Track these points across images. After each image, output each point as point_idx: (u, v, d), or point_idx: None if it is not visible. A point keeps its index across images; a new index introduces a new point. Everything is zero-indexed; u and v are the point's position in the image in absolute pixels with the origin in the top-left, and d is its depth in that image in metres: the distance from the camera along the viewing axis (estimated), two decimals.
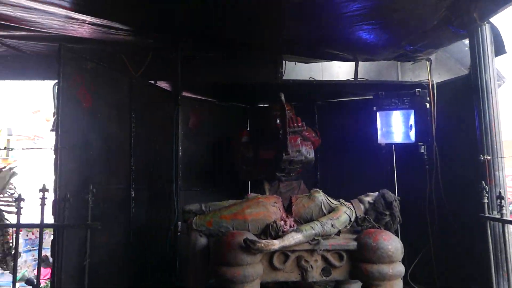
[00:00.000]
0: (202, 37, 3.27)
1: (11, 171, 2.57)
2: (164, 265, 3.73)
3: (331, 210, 2.68)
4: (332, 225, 2.49)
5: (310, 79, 3.93)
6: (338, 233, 2.57)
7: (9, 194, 2.59)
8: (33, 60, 3.42)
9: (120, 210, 3.15)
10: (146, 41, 3.18)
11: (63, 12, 2.51)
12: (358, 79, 3.76)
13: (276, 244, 2.30)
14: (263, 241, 2.29)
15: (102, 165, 2.94)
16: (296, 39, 2.96)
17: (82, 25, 2.66)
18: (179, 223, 3.91)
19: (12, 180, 2.57)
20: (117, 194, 3.11)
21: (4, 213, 2.53)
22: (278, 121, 3.56)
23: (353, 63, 4.39)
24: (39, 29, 2.72)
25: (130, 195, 3.23)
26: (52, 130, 3.28)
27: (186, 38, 3.29)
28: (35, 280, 3.18)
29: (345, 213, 2.62)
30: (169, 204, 3.84)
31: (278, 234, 2.48)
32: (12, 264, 2.51)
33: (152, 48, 3.42)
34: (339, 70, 4.89)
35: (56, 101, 3.55)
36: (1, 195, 2.50)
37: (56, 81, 3.56)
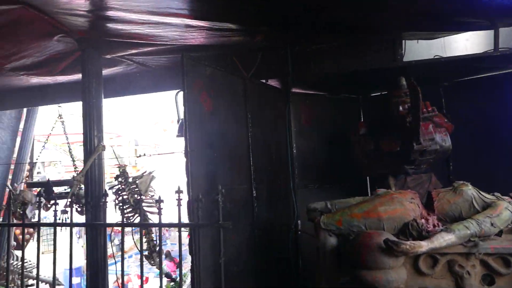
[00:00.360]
0: (311, 29, 3.12)
1: (151, 175, 2.82)
2: (286, 264, 3.70)
3: (486, 206, 2.25)
4: (491, 224, 2.08)
5: (436, 57, 3.45)
6: (500, 233, 2.13)
7: (150, 196, 2.84)
8: (157, 73, 3.74)
9: (244, 209, 3.20)
10: (256, 40, 3.17)
11: (183, 21, 2.64)
12: (500, 49, 3.15)
13: (424, 246, 2.01)
14: (408, 242, 2.02)
15: (225, 166, 3.04)
16: (424, 10, 2.59)
17: (200, 32, 2.77)
18: (299, 221, 3.85)
19: (151, 184, 2.82)
20: (240, 194, 3.17)
21: (147, 213, 2.78)
22: (401, 108, 3.20)
23: (484, 33, 3.73)
24: (163, 43, 2.93)
25: (252, 194, 3.28)
26: (178, 136, 3.53)
27: (295, 32, 3.19)
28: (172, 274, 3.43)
29: (507, 209, 2.16)
30: (287, 202, 3.80)
31: (422, 234, 2.18)
32: (158, 259, 2.74)
33: (262, 47, 3.42)
34: (467, 43, 4.22)
35: (182, 107, 3.82)
36: (144, 197, 2.75)
37: (178, 90, 3.88)
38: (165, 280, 3.68)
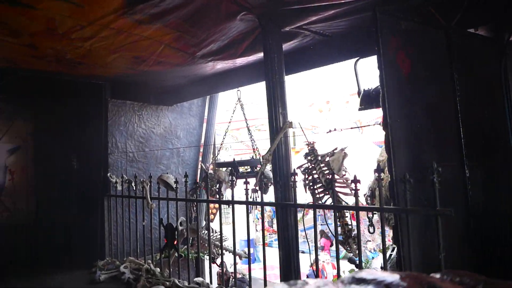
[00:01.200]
0: None
1: (343, 152, 2.54)
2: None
3: None
4: None
5: None
6: None
7: (342, 175, 2.57)
8: (334, 43, 3.41)
9: (453, 192, 2.59)
10: None
11: None
12: None
13: None
14: None
15: (429, 140, 2.49)
16: None
17: None
18: None
19: (344, 162, 2.54)
20: (449, 173, 2.56)
21: (340, 194, 2.52)
22: None
23: None
24: (347, 0, 2.56)
25: (464, 173, 2.62)
26: (361, 108, 3.14)
27: None
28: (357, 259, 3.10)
29: None
30: (508, 185, 2.95)
31: None
32: (355, 246, 2.46)
33: None
34: None
35: (361, 77, 3.41)
36: (337, 177, 2.49)
37: (357, 58, 3.48)
38: (351, 265, 3.43)
